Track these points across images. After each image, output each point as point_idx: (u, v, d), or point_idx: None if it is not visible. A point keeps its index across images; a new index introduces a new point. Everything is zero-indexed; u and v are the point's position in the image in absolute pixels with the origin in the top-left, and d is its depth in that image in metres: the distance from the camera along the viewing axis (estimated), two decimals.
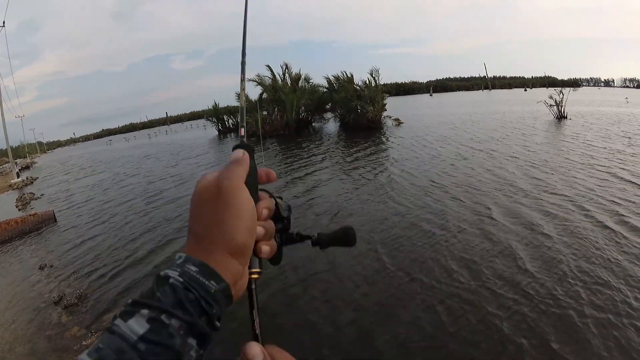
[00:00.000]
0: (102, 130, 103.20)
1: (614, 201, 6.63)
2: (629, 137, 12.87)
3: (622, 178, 8.03)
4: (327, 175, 10.95)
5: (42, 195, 15.51)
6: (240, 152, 0.56)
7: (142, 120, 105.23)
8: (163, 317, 0.41)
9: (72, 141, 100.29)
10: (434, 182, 8.95)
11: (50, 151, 77.71)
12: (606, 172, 8.56)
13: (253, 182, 0.55)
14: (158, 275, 0.45)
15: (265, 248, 0.55)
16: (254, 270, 0.54)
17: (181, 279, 0.44)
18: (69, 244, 8.17)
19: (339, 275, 4.96)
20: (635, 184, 7.56)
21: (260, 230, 0.53)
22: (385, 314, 4.04)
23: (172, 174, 14.93)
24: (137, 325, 0.40)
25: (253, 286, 0.54)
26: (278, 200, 0.61)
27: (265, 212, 0.55)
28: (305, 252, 5.22)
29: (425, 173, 9.97)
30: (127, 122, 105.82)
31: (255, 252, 0.54)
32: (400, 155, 13.13)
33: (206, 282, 0.45)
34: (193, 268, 0.45)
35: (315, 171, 11.75)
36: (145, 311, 0.41)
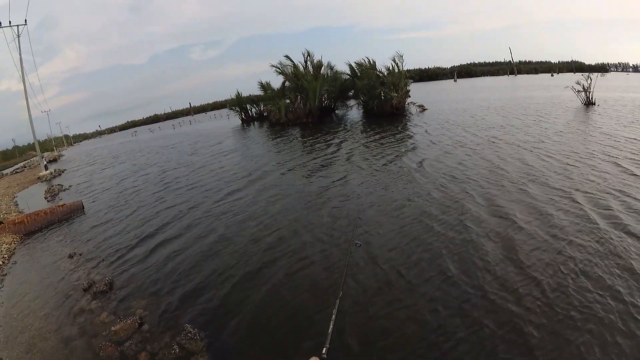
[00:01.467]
0: (127, 122, 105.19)
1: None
2: None
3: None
4: (352, 167, 10.69)
5: (70, 186, 15.85)
6: None
7: (166, 111, 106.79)
8: None
9: (98, 133, 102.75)
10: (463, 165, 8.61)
11: (76, 144, 79.94)
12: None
13: None
14: None
15: None
16: None
17: None
18: (97, 232, 8.32)
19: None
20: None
21: None
22: None
23: (199, 165, 14.94)
24: None
25: None
26: None
27: None
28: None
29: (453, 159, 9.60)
30: (151, 114, 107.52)
31: None
32: (424, 142, 12.69)
33: None
34: None
35: (337, 160, 11.55)
36: None
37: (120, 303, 5.00)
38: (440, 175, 8.35)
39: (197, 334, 3.98)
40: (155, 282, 5.38)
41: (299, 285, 4.67)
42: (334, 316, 1.24)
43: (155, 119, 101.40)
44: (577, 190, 6.53)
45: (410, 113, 22.47)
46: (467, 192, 7.06)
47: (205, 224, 7.49)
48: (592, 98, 19.77)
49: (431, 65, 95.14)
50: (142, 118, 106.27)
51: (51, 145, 57.23)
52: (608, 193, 6.23)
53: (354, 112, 27.02)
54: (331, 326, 1.18)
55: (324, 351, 1.04)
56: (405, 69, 24.41)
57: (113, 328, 4.38)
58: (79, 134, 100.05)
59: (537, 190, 6.72)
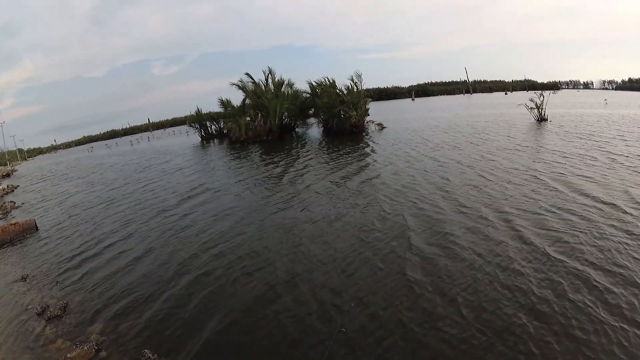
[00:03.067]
0: (84, 137, 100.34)
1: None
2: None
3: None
4: (311, 180, 10.78)
5: (22, 203, 14.92)
6: None
7: (124, 127, 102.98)
8: None
9: (53, 148, 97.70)
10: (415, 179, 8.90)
11: (31, 158, 75.59)
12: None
13: None
14: None
15: None
16: None
17: None
18: (51, 252, 7.91)
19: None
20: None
21: None
22: None
23: (151, 182, 14.54)
24: None
25: None
26: None
27: None
28: None
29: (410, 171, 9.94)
30: (109, 129, 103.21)
31: None
32: (382, 158, 13.21)
33: None
34: None
35: (297, 176, 11.59)
36: None
37: (75, 328, 4.75)
38: (385, 195, 8.61)
39: None
40: (111, 305, 5.16)
41: (266, 310, 4.60)
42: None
43: (113, 135, 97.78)
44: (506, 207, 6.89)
45: (370, 131, 23.00)
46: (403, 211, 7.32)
47: (160, 241, 7.28)
48: (544, 114, 21.08)
49: (390, 85, 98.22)
50: (99, 133, 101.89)
51: (4, 160, 53.98)
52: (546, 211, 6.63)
53: (314, 130, 27.30)
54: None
55: None
56: (364, 88, 25.05)
57: (69, 355, 4.16)
58: (34, 148, 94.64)
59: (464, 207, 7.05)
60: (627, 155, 10.45)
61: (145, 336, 4.37)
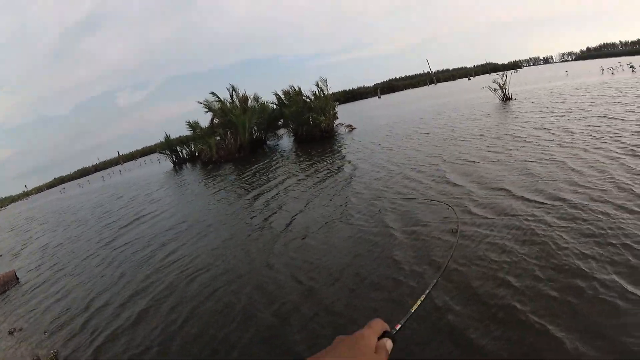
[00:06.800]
0: (54, 178, 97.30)
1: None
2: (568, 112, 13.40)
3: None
4: (287, 189, 10.57)
5: (0, 255, 14.52)
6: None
7: (95, 163, 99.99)
8: None
9: (25, 194, 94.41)
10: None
11: (3, 208, 73.17)
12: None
13: None
14: None
15: None
16: None
17: None
18: (36, 303, 7.46)
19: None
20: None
21: None
22: None
23: (129, 219, 14.06)
24: None
25: None
26: None
27: None
28: None
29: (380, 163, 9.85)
30: (79, 167, 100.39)
31: None
32: (355, 156, 13.45)
33: None
34: None
35: (273, 189, 11.36)
36: None
37: None
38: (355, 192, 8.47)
39: None
40: (105, 351, 4.82)
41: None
42: (423, 297, 1.09)
43: (84, 172, 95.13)
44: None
45: (340, 134, 23.01)
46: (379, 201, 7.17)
47: (146, 282, 6.91)
48: (509, 94, 21.50)
49: (356, 86, 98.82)
50: (70, 173, 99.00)
51: None
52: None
53: (284, 141, 27.15)
54: (416, 307, 1.03)
55: (397, 327, 0.87)
56: (331, 92, 25.12)
57: None
58: (5, 197, 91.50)
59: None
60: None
61: None
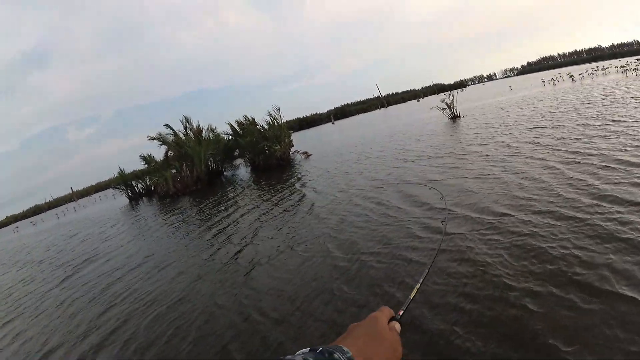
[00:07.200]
0: (7, 217, 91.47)
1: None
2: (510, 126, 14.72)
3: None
4: (245, 219, 10.88)
5: None
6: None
7: (48, 200, 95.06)
8: None
9: None
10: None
11: None
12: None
13: None
14: (329, 350, 0.67)
15: None
16: None
17: None
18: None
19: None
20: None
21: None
22: None
23: (88, 257, 13.73)
24: None
25: None
26: None
27: None
28: None
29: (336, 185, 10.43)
30: (32, 204, 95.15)
31: None
32: (313, 182, 14.03)
33: None
34: None
35: (231, 220, 11.65)
36: None
37: None
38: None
39: None
40: None
41: None
42: (419, 284, 1.25)
43: (37, 210, 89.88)
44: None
45: (297, 161, 23.62)
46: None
47: (100, 320, 6.97)
48: (457, 112, 23.00)
49: (309, 113, 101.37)
50: (22, 211, 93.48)
51: None
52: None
53: (242, 171, 27.45)
54: (414, 293, 1.20)
55: (400, 313, 1.01)
56: (285, 120, 25.87)
57: None
58: None
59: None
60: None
61: None
